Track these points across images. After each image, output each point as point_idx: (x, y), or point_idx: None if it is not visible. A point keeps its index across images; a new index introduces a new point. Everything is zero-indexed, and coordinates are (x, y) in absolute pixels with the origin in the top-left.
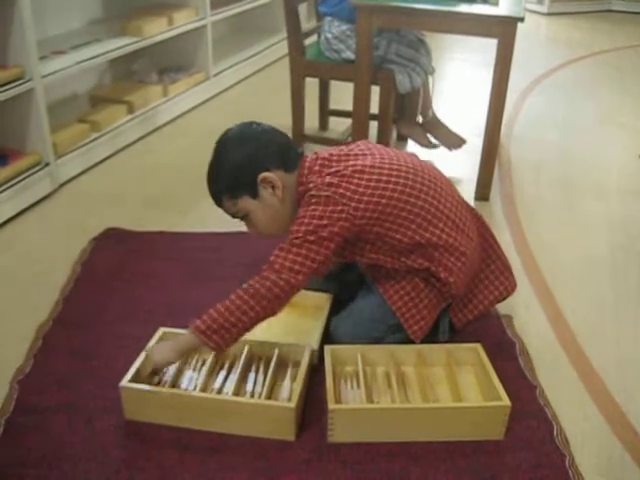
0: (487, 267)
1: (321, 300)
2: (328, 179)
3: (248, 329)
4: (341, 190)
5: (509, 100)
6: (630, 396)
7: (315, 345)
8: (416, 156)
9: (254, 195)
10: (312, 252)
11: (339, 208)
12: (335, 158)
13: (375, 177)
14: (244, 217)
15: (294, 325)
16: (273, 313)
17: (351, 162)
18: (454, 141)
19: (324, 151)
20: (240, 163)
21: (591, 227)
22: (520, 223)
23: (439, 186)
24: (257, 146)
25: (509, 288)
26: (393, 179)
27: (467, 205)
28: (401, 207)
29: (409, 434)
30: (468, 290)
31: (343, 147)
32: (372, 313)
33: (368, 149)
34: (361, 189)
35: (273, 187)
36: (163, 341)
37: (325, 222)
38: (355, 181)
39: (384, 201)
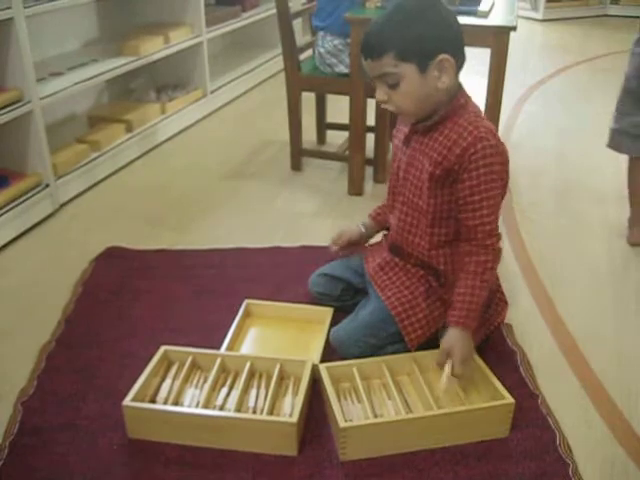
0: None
1: (322, 314)
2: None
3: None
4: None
5: (506, 107)
6: (633, 402)
7: (317, 360)
8: None
9: (423, 69)
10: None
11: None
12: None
13: None
14: (392, 84)
15: (295, 340)
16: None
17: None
18: None
19: None
20: (434, 32)
21: (590, 233)
22: (519, 230)
23: None
24: (456, 28)
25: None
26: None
27: None
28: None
29: (419, 443)
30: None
31: None
32: (372, 319)
33: None
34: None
35: (441, 73)
36: (459, 341)
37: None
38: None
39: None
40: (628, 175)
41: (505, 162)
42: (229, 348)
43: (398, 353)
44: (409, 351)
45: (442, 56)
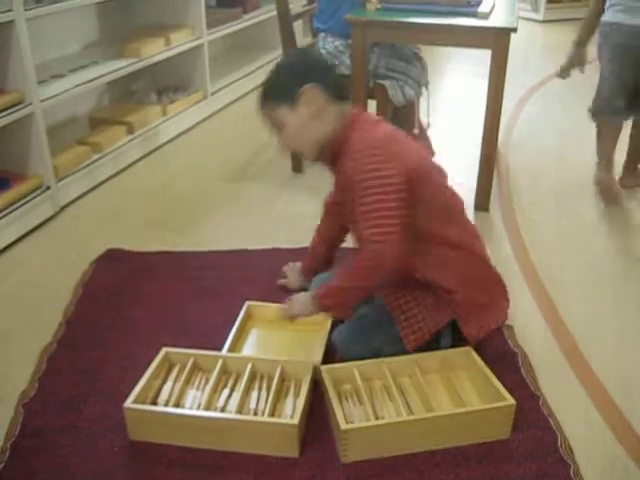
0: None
1: (323, 316)
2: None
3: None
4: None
5: (506, 108)
6: (633, 402)
7: (318, 361)
8: None
9: (293, 106)
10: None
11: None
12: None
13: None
14: (278, 128)
15: (296, 341)
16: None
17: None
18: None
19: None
20: (291, 71)
21: (591, 233)
22: (520, 231)
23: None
24: (315, 63)
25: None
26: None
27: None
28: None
29: (420, 444)
30: (479, 307)
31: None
32: (372, 320)
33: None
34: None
35: (310, 104)
36: (303, 294)
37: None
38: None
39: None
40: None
41: (394, 173)
42: (230, 350)
43: (397, 354)
44: (409, 353)
45: (304, 88)
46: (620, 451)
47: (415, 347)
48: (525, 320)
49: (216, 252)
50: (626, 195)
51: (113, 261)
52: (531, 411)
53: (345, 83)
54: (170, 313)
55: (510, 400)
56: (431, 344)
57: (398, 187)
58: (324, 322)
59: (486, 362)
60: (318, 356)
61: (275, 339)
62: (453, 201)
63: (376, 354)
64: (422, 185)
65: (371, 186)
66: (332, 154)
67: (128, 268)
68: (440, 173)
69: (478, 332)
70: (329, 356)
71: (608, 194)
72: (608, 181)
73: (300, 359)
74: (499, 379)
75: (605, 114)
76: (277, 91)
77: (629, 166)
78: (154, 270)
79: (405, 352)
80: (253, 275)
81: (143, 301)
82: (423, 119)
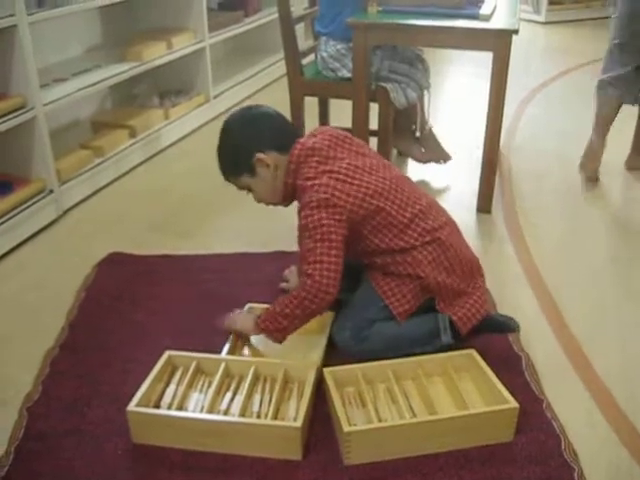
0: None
1: (324, 318)
2: (325, 179)
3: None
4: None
5: (508, 110)
6: (637, 405)
7: (317, 360)
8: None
9: (252, 173)
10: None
11: (339, 210)
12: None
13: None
14: (248, 190)
15: (297, 343)
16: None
17: (342, 162)
18: (441, 156)
19: (308, 140)
20: (238, 147)
21: (593, 236)
22: (522, 234)
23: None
24: (254, 130)
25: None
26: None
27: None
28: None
29: (423, 447)
30: (462, 291)
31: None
32: (364, 298)
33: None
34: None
35: (267, 166)
36: (249, 314)
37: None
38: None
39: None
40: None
41: (329, 214)
42: (230, 352)
43: (392, 331)
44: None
45: (256, 157)
46: (625, 454)
47: (405, 317)
48: (528, 323)
49: (218, 255)
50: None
51: (115, 264)
52: (535, 414)
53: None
54: (172, 316)
55: (513, 403)
56: (433, 341)
57: (329, 229)
58: (325, 323)
59: (489, 365)
60: (317, 356)
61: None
62: (405, 210)
63: (366, 326)
64: (363, 216)
65: (306, 230)
66: (293, 194)
67: (130, 271)
68: (388, 190)
69: (465, 315)
70: (330, 357)
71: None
72: (590, 171)
73: (303, 362)
74: (502, 382)
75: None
76: (233, 168)
77: (637, 147)
78: (156, 273)
79: (395, 325)
80: (255, 279)
81: (145, 304)
82: (431, 122)
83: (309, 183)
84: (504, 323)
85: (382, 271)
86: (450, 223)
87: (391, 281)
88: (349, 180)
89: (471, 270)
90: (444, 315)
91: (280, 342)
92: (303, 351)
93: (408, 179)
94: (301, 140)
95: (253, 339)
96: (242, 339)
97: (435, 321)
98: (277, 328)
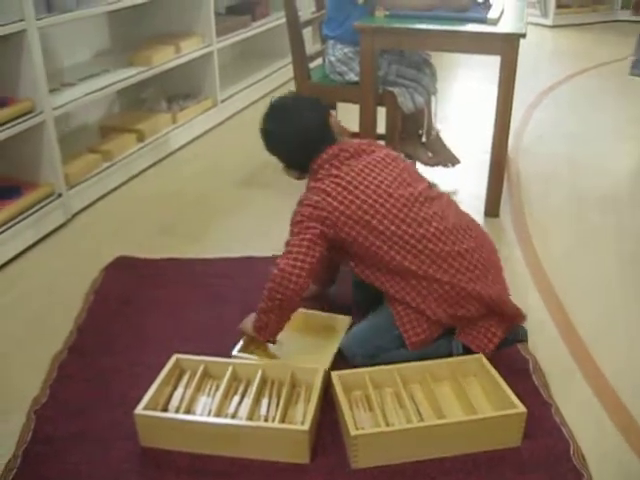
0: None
1: (339, 322)
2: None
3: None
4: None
5: (516, 114)
6: None
7: (327, 364)
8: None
9: (302, 170)
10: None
11: (324, 214)
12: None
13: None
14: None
15: (310, 344)
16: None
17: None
18: (449, 159)
19: (344, 144)
20: (305, 145)
21: (602, 240)
22: (530, 238)
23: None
24: (301, 142)
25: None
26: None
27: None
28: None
29: (430, 452)
30: (480, 318)
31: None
32: (379, 322)
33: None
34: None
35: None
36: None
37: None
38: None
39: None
40: None
41: (312, 213)
42: (242, 350)
43: (402, 357)
44: (411, 353)
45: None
46: (634, 458)
47: (418, 348)
48: (536, 326)
49: (226, 259)
50: None
51: (123, 268)
52: (543, 419)
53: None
54: (180, 320)
55: (521, 408)
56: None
57: (308, 224)
58: (339, 328)
59: (498, 369)
60: (328, 360)
61: (291, 340)
62: (417, 229)
63: (379, 355)
64: (354, 224)
65: (290, 225)
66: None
67: (138, 275)
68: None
69: (482, 342)
70: (341, 362)
71: None
72: None
73: (310, 365)
74: (510, 386)
75: None
76: (292, 163)
77: None
78: (164, 277)
79: (407, 352)
80: (263, 282)
81: (153, 308)
82: (438, 127)
83: (312, 184)
84: (513, 335)
85: (395, 298)
86: (478, 248)
87: (411, 312)
88: (350, 187)
89: (491, 298)
90: (458, 342)
91: (270, 342)
92: (313, 355)
93: (433, 199)
94: (334, 146)
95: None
96: (254, 341)
97: (448, 346)
98: (260, 326)
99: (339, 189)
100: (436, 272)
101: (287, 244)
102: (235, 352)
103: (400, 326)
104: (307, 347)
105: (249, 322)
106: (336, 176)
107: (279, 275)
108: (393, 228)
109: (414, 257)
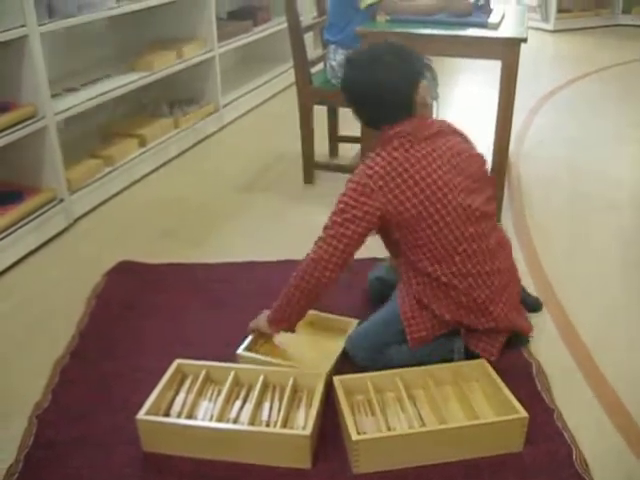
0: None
1: (347, 324)
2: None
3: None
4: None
5: (517, 118)
6: None
7: (328, 368)
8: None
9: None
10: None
11: (371, 210)
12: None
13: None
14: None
15: (315, 345)
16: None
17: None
18: None
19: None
20: (393, 109)
21: (603, 243)
22: (531, 241)
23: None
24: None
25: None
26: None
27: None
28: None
29: (432, 457)
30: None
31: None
32: (385, 316)
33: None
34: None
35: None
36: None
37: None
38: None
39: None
40: None
41: (362, 192)
42: (249, 348)
43: (403, 354)
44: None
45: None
46: (635, 462)
47: (418, 345)
48: (538, 330)
49: (228, 264)
50: None
51: (125, 273)
52: (545, 424)
53: None
54: (182, 325)
55: (523, 413)
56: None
57: (355, 215)
58: (345, 329)
59: (500, 373)
60: (330, 362)
61: (297, 342)
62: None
63: (382, 350)
64: (403, 223)
65: (337, 203)
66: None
67: (140, 280)
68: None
69: (485, 347)
70: (342, 365)
71: None
72: None
73: (312, 370)
74: (513, 391)
75: None
76: (362, 114)
77: None
78: (166, 282)
79: (408, 348)
80: (265, 287)
81: (155, 313)
82: None
83: (381, 151)
84: (515, 337)
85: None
86: (503, 272)
87: (417, 309)
88: (411, 182)
89: (501, 319)
90: (461, 343)
91: (292, 331)
92: (317, 356)
93: (486, 216)
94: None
95: (275, 339)
96: (263, 338)
97: (450, 345)
98: (276, 317)
99: (398, 180)
100: (460, 283)
101: (325, 228)
102: (240, 351)
103: (404, 320)
104: (312, 348)
105: (262, 318)
106: (405, 160)
107: (312, 265)
108: (434, 239)
109: (441, 266)
